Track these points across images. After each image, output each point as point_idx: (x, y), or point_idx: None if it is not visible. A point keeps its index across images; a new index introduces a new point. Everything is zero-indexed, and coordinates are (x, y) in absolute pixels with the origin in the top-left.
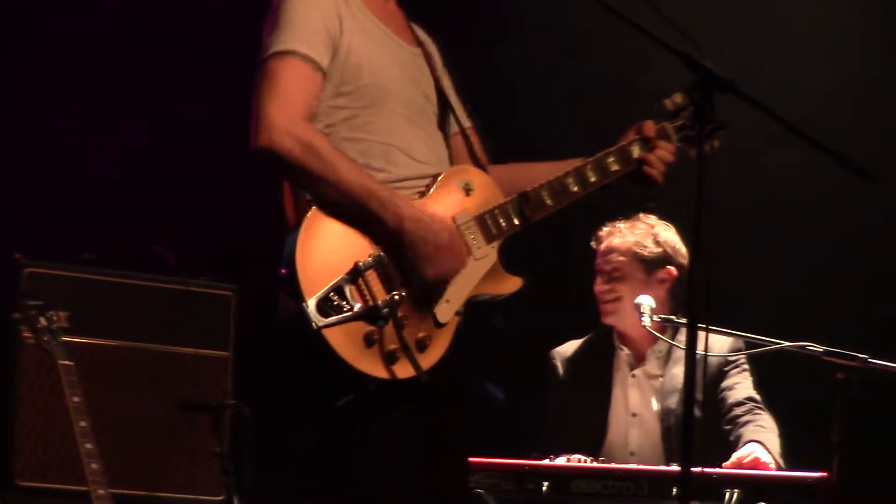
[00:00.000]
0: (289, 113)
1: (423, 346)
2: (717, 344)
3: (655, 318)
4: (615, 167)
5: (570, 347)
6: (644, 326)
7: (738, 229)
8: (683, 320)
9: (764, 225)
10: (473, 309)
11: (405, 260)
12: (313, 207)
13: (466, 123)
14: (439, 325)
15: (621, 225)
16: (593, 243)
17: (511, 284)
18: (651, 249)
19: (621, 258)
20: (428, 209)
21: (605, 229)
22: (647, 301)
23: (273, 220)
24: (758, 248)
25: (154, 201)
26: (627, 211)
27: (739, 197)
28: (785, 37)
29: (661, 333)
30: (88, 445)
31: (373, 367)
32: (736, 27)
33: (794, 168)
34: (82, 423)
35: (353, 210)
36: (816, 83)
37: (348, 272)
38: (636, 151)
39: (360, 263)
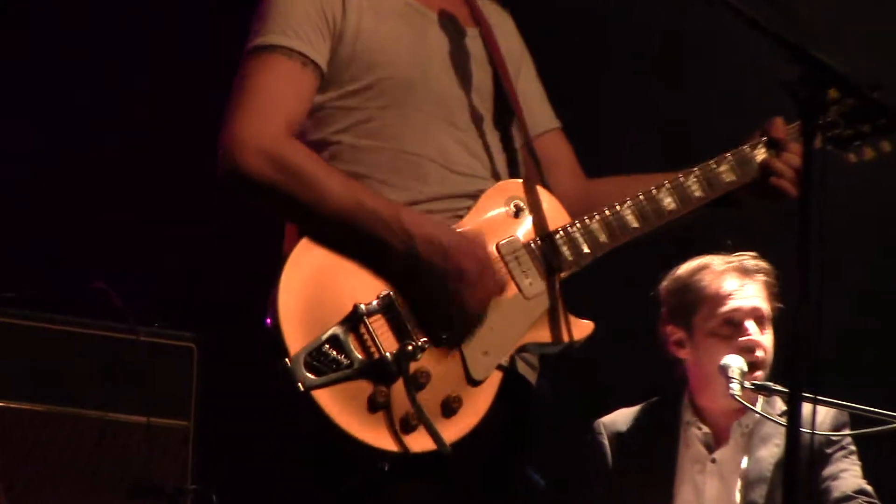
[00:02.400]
0: (262, 126)
1: (450, 410)
2: (818, 419)
3: (747, 384)
4: (729, 177)
5: (621, 418)
6: (732, 396)
7: (849, 266)
8: (781, 388)
9: (882, 265)
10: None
11: (422, 297)
12: (303, 238)
13: (550, 125)
14: (474, 384)
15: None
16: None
17: (578, 330)
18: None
19: (763, 304)
20: (455, 229)
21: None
22: (736, 363)
23: (250, 246)
24: (872, 294)
25: (91, 227)
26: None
27: (852, 226)
28: None
29: (753, 404)
30: None
31: (379, 437)
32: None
33: None
34: None
35: (349, 238)
36: None
37: (346, 317)
38: (760, 155)
39: (362, 306)
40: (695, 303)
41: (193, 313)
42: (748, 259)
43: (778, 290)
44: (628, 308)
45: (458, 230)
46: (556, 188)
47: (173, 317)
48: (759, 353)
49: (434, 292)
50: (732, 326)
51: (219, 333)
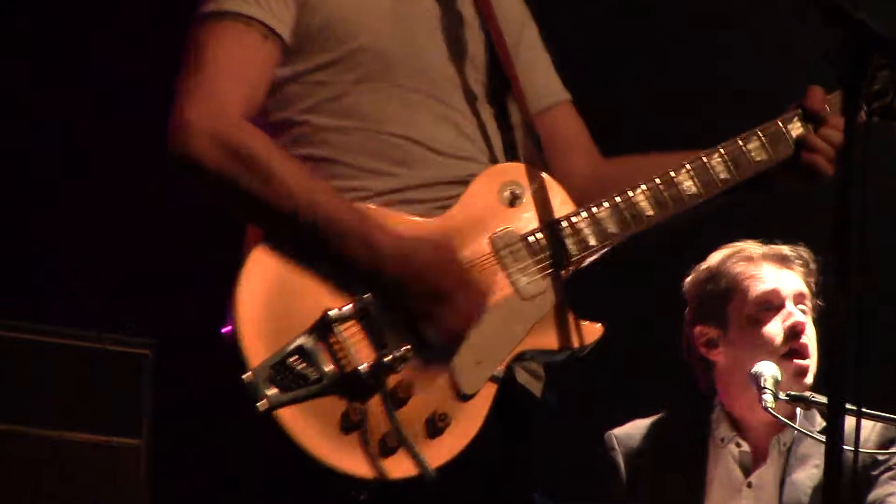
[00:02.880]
0: (215, 106)
1: (435, 429)
2: (862, 434)
3: (783, 395)
4: (759, 157)
5: (637, 431)
6: (765, 408)
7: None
8: (822, 399)
9: None
10: None
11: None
12: (266, 236)
13: (557, 97)
14: (464, 398)
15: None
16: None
17: (585, 335)
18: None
19: (805, 289)
20: (429, 231)
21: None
22: (769, 371)
23: (216, 237)
24: None
25: (23, 217)
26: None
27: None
28: None
29: (790, 419)
30: None
31: (353, 462)
32: None
33: None
34: None
35: (309, 242)
36: None
37: (314, 325)
38: (795, 130)
39: (333, 312)
40: (728, 290)
41: (149, 316)
42: (786, 248)
43: (820, 284)
44: (641, 305)
45: (433, 241)
46: (565, 171)
47: (126, 320)
48: (804, 340)
49: (409, 313)
50: (773, 310)
51: (178, 339)
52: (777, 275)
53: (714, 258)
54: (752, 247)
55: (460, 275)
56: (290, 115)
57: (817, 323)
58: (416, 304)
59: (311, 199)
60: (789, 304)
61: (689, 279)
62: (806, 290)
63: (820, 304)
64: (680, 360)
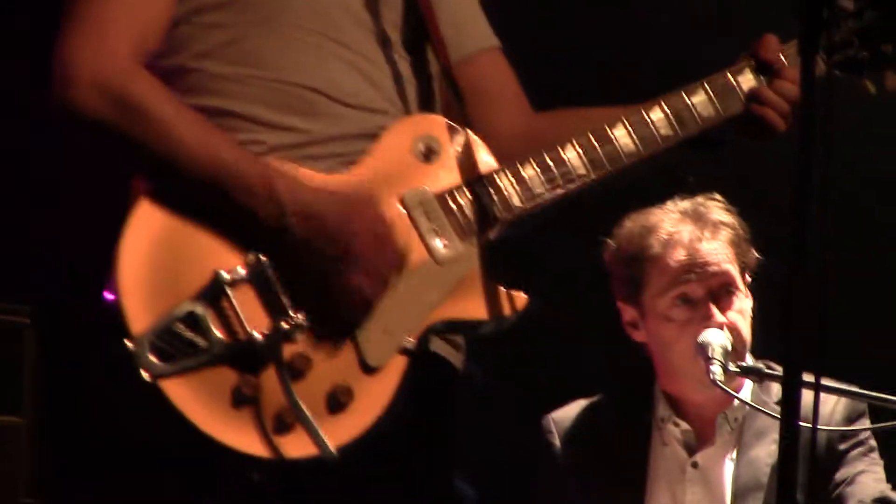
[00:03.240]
0: (101, 51)
1: (337, 404)
2: (827, 408)
3: (732, 367)
4: (706, 112)
5: (576, 413)
6: (714, 381)
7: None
8: (778, 370)
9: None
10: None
11: (301, 271)
12: (152, 190)
13: (483, 43)
14: (369, 371)
15: (713, 211)
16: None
17: (508, 304)
18: (752, 252)
19: (730, 267)
20: (338, 187)
21: (669, 221)
22: (717, 339)
23: (103, 196)
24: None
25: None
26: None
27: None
28: None
29: (740, 390)
30: None
31: (245, 440)
32: None
33: None
34: None
35: (207, 198)
36: None
37: (204, 288)
38: (746, 83)
39: (225, 274)
40: (642, 276)
41: (29, 282)
42: (709, 207)
43: (748, 238)
44: (576, 273)
45: (348, 196)
46: (490, 125)
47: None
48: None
49: (314, 277)
50: (689, 307)
51: (63, 306)
52: (696, 254)
53: (629, 230)
54: (668, 217)
55: (376, 234)
56: (183, 61)
57: (764, 277)
58: (325, 265)
59: (211, 152)
60: (708, 302)
61: (608, 248)
62: (732, 268)
63: (759, 258)
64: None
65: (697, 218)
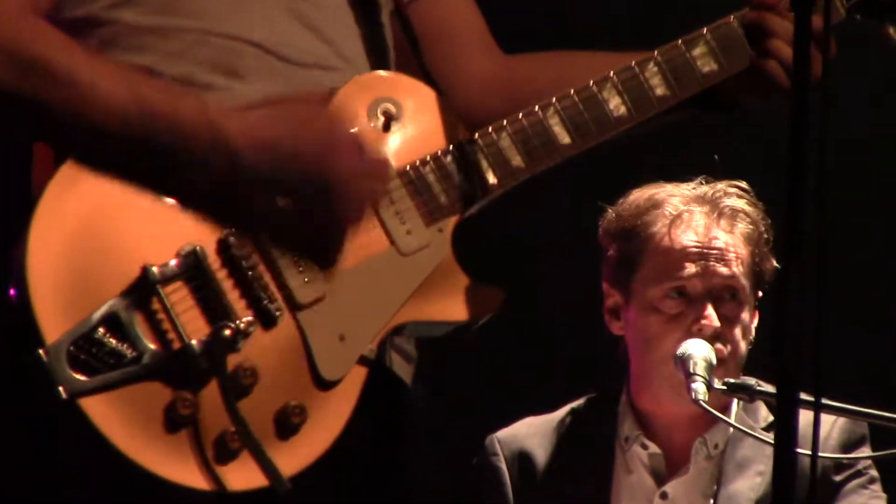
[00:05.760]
0: None
1: (289, 426)
2: (821, 432)
3: (718, 384)
4: (707, 67)
5: (526, 432)
6: (697, 402)
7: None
8: (769, 388)
9: None
10: None
11: (254, 239)
12: (63, 166)
13: None
14: (325, 386)
15: (738, 202)
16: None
17: (481, 303)
18: (770, 261)
19: (740, 270)
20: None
21: (685, 206)
22: (700, 351)
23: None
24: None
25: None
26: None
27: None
28: None
29: (725, 412)
30: None
31: (181, 469)
32: None
33: None
34: None
35: (132, 158)
36: None
37: (130, 287)
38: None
39: (155, 269)
40: (635, 255)
41: None
42: (730, 194)
43: (769, 241)
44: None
45: (296, 111)
46: (454, 75)
47: None
48: (718, 346)
49: (284, 221)
50: (683, 300)
51: None
52: (703, 244)
53: (633, 202)
54: (677, 195)
55: (343, 143)
56: (94, 12)
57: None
58: (295, 199)
59: (135, 94)
60: (707, 302)
61: (605, 218)
62: (739, 270)
63: (777, 266)
64: (590, 343)
65: (714, 202)
